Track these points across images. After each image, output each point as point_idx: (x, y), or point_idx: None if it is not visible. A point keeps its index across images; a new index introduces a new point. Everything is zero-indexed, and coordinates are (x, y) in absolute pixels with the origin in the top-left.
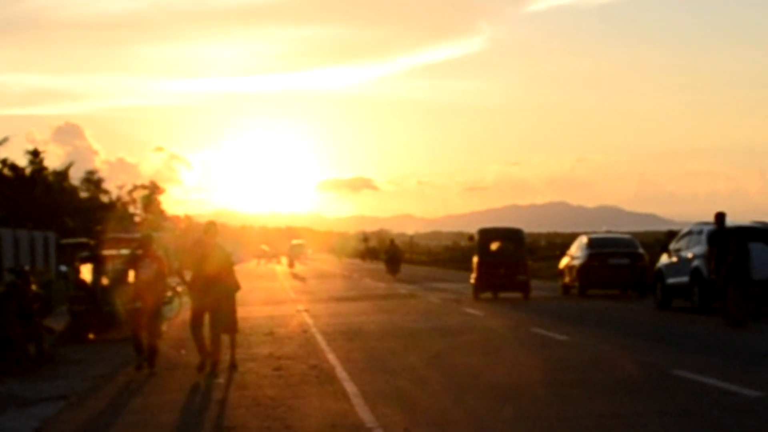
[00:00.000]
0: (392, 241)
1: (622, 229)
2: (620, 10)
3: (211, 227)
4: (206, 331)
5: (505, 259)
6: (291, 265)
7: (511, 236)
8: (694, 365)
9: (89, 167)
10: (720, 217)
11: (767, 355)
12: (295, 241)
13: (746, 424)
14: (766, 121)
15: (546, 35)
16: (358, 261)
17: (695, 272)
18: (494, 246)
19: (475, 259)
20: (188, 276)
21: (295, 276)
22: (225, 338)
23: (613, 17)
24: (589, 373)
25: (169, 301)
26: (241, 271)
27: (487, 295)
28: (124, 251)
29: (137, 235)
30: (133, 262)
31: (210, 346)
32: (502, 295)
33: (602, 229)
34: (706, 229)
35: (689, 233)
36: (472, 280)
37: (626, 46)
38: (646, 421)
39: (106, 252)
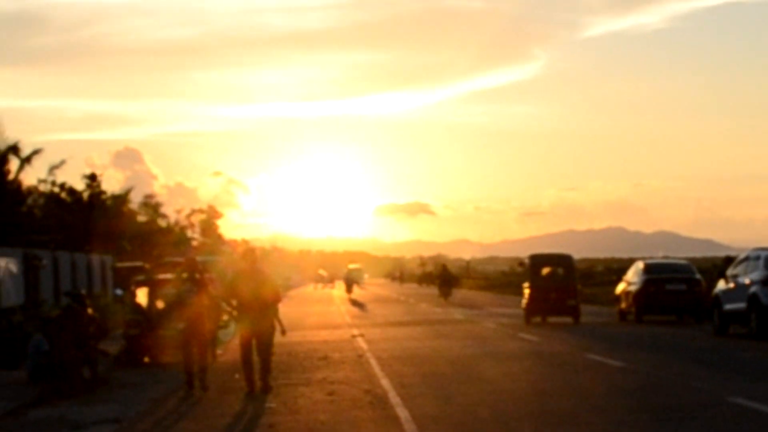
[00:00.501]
0: (444, 266)
1: (679, 254)
2: (676, 34)
3: (248, 254)
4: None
5: (555, 284)
6: (349, 290)
7: (561, 262)
8: (752, 393)
9: (148, 191)
10: None
11: None
12: (352, 266)
13: None
14: None
15: (601, 61)
16: (414, 285)
17: (753, 298)
18: (545, 271)
19: (526, 285)
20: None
21: (353, 302)
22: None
23: (668, 42)
24: (644, 400)
25: (225, 325)
26: (297, 296)
27: (538, 320)
28: (183, 275)
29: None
30: (178, 285)
31: (260, 372)
32: (556, 320)
33: (659, 255)
34: (763, 254)
35: (747, 259)
36: (523, 305)
37: (682, 71)
38: None
39: (162, 276)
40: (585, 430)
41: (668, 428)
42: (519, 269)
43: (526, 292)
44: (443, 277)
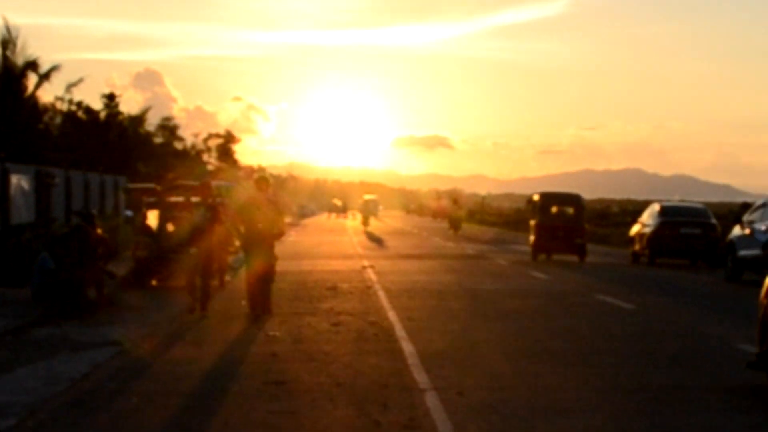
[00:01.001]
0: (455, 201)
1: (697, 199)
2: None
3: (262, 182)
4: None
5: (563, 222)
6: (365, 222)
7: (570, 201)
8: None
9: (167, 114)
10: None
11: None
12: (367, 197)
13: None
14: None
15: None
16: (429, 219)
17: None
18: (554, 210)
19: (533, 222)
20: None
21: (368, 234)
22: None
23: None
24: (652, 344)
25: (236, 251)
26: (311, 225)
27: (544, 257)
28: (193, 199)
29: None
30: (188, 208)
31: (260, 297)
32: (566, 258)
33: (676, 198)
34: None
35: (764, 205)
36: (531, 242)
37: (711, 13)
38: (708, 396)
39: (174, 199)
40: (590, 372)
41: (676, 374)
42: (528, 206)
43: (534, 229)
44: (453, 212)
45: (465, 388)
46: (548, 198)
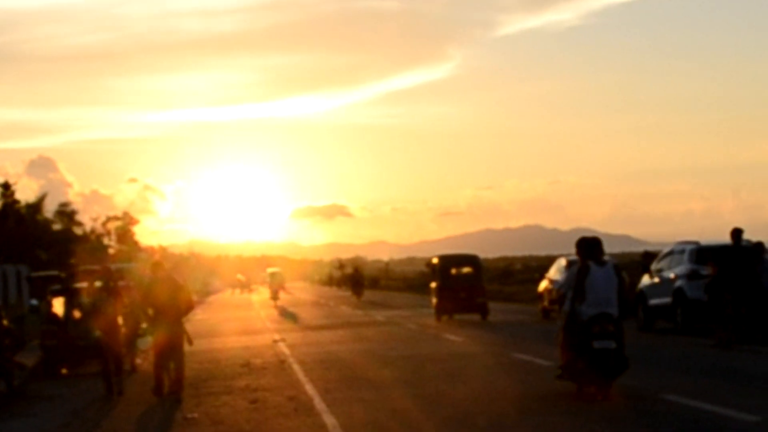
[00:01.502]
0: (356, 269)
1: None
2: (590, 32)
3: (157, 266)
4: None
5: (463, 283)
6: (275, 296)
7: (468, 262)
8: (685, 389)
9: (63, 199)
10: (737, 233)
11: (759, 378)
12: (271, 269)
13: None
14: (739, 141)
15: (517, 59)
16: (334, 288)
17: (678, 292)
18: (453, 271)
19: (434, 284)
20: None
21: (276, 307)
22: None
23: (583, 39)
24: (577, 401)
25: (144, 333)
26: (216, 301)
27: (446, 317)
28: (97, 283)
29: (110, 267)
30: (93, 293)
31: (174, 374)
32: (476, 319)
33: None
34: (688, 248)
35: (671, 253)
36: (433, 304)
37: (598, 68)
38: None
39: (79, 285)
40: None
41: (608, 426)
42: (428, 270)
43: (435, 291)
44: (354, 279)
45: None
46: (447, 260)
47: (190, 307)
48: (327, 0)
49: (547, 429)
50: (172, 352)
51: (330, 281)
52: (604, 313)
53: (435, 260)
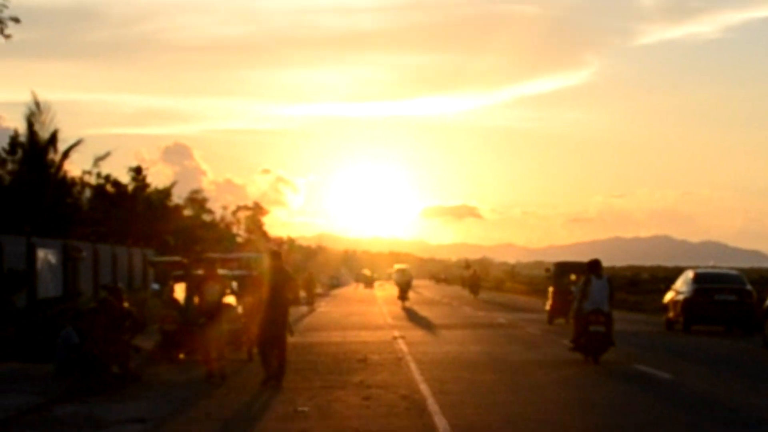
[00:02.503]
0: (474, 270)
1: (727, 264)
2: (729, 45)
3: (274, 254)
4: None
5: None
6: (402, 295)
7: (583, 269)
8: None
9: (197, 187)
10: None
11: None
12: (399, 266)
13: None
14: None
15: (654, 69)
16: (458, 288)
17: None
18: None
19: (551, 289)
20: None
21: (398, 304)
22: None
23: (721, 53)
24: (695, 417)
25: None
26: (341, 295)
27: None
28: (221, 271)
29: (234, 256)
30: (198, 283)
31: (277, 362)
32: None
33: (708, 264)
34: None
35: None
36: (547, 307)
37: (735, 82)
38: None
39: (200, 271)
40: None
41: None
42: (545, 274)
43: (551, 295)
44: (472, 280)
45: None
46: (563, 267)
47: (296, 299)
48: (467, 2)
49: None
50: (275, 340)
51: (446, 280)
52: (598, 309)
53: (552, 267)
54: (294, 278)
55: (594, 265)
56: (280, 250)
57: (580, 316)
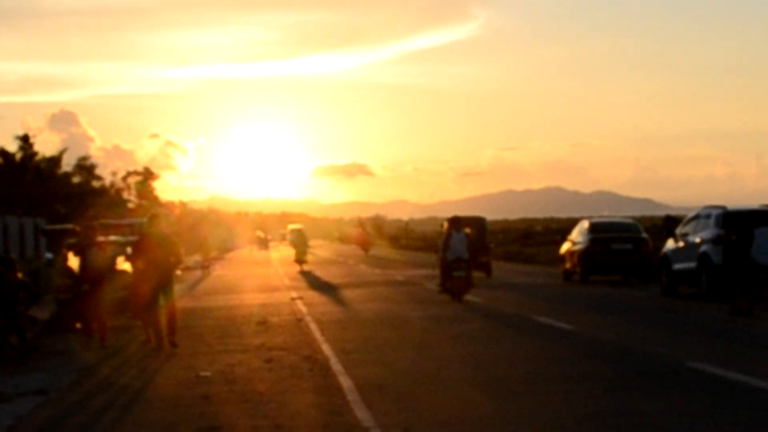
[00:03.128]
0: (362, 227)
1: (619, 213)
2: None
3: (152, 219)
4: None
5: (470, 243)
6: (300, 258)
7: (475, 223)
8: (710, 357)
9: (84, 154)
10: None
11: None
12: (293, 226)
13: None
14: (763, 106)
15: (541, 20)
16: (353, 247)
17: (703, 257)
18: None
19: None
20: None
21: (294, 265)
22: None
23: (609, 3)
24: (599, 366)
25: None
26: (235, 258)
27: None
28: (113, 237)
29: (127, 221)
30: (80, 250)
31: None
32: (490, 282)
33: (605, 213)
34: (714, 213)
35: (697, 217)
36: (439, 259)
37: (623, 31)
38: (664, 420)
39: (93, 239)
40: (537, 399)
41: (628, 398)
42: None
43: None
44: (362, 237)
45: (411, 424)
46: (455, 222)
47: (179, 262)
48: None
49: (562, 393)
50: (162, 303)
51: (346, 239)
52: (459, 258)
53: (445, 223)
54: (175, 241)
55: (454, 221)
56: (170, 212)
57: (445, 264)
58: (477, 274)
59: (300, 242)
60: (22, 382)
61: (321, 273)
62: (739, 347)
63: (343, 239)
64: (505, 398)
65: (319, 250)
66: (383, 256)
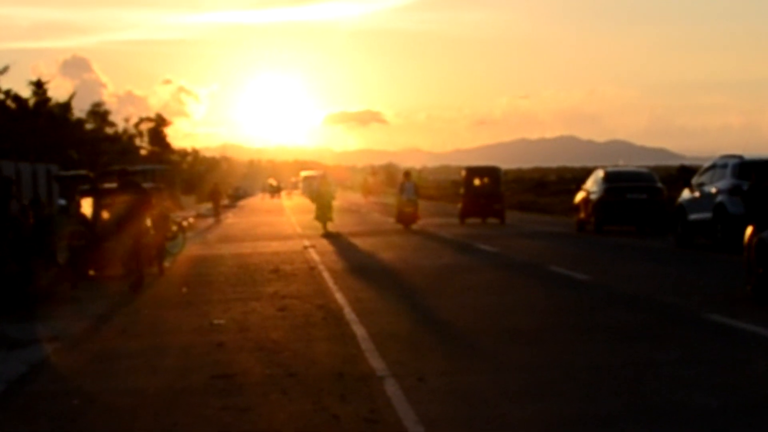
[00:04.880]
0: (366, 179)
1: (633, 163)
2: None
3: (122, 173)
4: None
5: (485, 191)
6: (324, 217)
7: (489, 174)
8: (727, 309)
9: (97, 100)
10: None
11: None
12: (306, 173)
13: None
14: None
15: None
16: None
17: (719, 208)
18: (476, 182)
19: (462, 191)
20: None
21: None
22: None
23: None
24: (614, 316)
25: (173, 236)
26: (248, 206)
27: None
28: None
29: (140, 167)
30: (108, 196)
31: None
32: (507, 231)
33: (619, 163)
34: (731, 162)
35: (713, 167)
36: (459, 207)
37: None
38: (681, 370)
39: (108, 185)
40: (553, 349)
41: (643, 348)
42: (457, 178)
43: (462, 197)
44: (367, 186)
45: (425, 373)
46: (472, 172)
47: (147, 206)
48: None
49: (578, 343)
50: (135, 245)
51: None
52: (409, 199)
53: (463, 172)
54: (147, 190)
55: (406, 174)
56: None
57: (401, 203)
58: (491, 221)
59: (323, 194)
60: (36, 328)
61: (334, 221)
62: (750, 300)
63: (366, 190)
64: (519, 347)
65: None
66: (396, 204)
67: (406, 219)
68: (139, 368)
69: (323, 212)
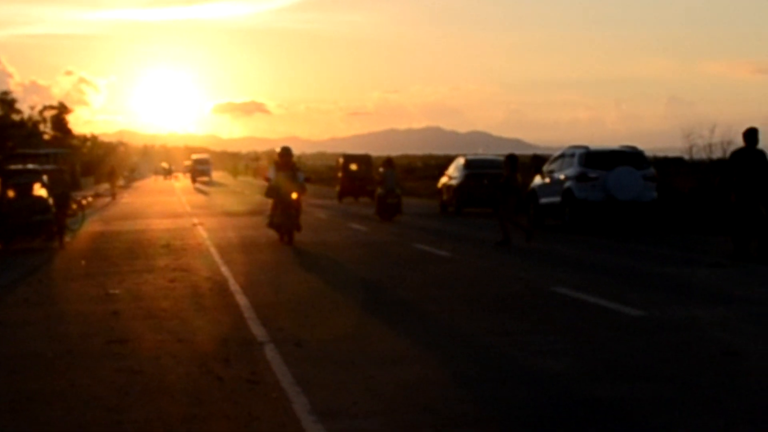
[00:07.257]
0: (258, 158)
1: (491, 152)
2: None
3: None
4: None
5: (359, 175)
6: (193, 179)
7: (363, 160)
8: (573, 282)
9: (4, 89)
10: (752, 133)
11: (643, 275)
12: (196, 156)
13: (630, 343)
14: (622, 56)
15: None
16: (250, 179)
17: (567, 193)
18: (352, 166)
19: (339, 175)
20: None
21: (196, 192)
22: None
23: None
24: (472, 289)
25: (74, 214)
26: (142, 187)
27: (367, 212)
28: (30, 166)
29: (43, 151)
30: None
31: None
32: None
33: (478, 152)
34: (578, 152)
35: (562, 156)
36: (337, 189)
37: None
38: (531, 338)
39: (13, 167)
40: (419, 319)
41: (499, 318)
42: (337, 164)
43: (340, 180)
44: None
45: (302, 339)
46: (348, 158)
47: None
48: None
49: (448, 315)
50: None
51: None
52: (393, 190)
53: (341, 159)
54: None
55: (387, 162)
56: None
57: (380, 196)
58: (363, 200)
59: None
60: None
61: (220, 201)
62: (599, 275)
63: (256, 172)
64: (388, 317)
65: (219, 180)
66: (375, 196)
67: (389, 211)
68: (40, 334)
69: (285, 213)
